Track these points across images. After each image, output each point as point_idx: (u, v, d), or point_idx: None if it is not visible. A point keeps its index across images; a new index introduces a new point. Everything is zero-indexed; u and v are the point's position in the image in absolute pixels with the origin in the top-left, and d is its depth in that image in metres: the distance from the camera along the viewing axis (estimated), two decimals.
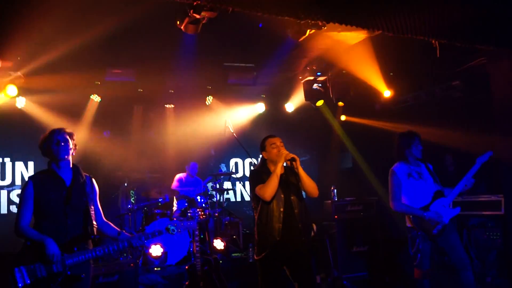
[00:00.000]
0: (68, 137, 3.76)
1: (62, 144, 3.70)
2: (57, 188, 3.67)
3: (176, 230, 3.95)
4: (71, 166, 3.82)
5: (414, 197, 4.86)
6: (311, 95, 8.55)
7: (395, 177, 4.92)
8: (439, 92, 7.96)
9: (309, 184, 4.24)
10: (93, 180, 3.95)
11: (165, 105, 9.37)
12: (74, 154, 3.83)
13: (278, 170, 4.16)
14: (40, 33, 6.07)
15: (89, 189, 3.81)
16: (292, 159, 4.17)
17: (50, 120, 8.34)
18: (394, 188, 4.91)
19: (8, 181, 8.57)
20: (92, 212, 3.76)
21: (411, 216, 4.83)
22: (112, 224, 3.98)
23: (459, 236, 4.93)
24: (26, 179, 3.98)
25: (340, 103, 9.50)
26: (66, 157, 3.72)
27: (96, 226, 3.79)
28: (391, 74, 8.36)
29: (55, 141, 3.69)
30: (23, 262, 3.46)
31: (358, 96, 8.96)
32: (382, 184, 9.09)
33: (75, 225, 3.67)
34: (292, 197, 4.27)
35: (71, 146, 3.76)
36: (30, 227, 3.61)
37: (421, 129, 7.49)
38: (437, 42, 5.32)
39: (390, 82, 8.54)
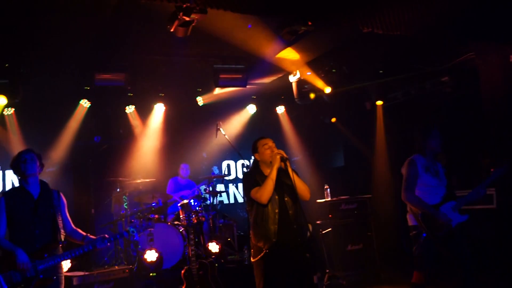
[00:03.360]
0: (35, 156, 4.22)
1: (29, 162, 4.15)
2: (25, 201, 4.14)
3: (135, 232, 4.42)
4: (38, 182, 4.27)
5: (426, 193, 4.70)
6: (301, 95, 8.56)
7: (413, 167, 4.73)
8: (429, 87, 7.99)
9: (300, 187, 4.21)
10: (61, 194, 4.39)
11: (155, 109, 9.30)
12: (41, 172, 4.29)
13: (273, 173, 4.15)
14: (29, 37, 6.02)
15: (56, 201, 4.26)
16: (286, 159, 4.16)
17: (40, 127, 8.28)
18: (410, 178, 4.71)
19: None
20: (60, 221, 4.22)
21: (419, 213, 4.63)
22: (79, 230, 4.38)
23: (465, 241, 4.69)
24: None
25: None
26: (32, 173, 4.18)
27: (64, 234, 4.22)
28: (381, 72, 8.40)
29: (22, 159, 4.16)
30: (1, 270, 3.86)
31: (348, 95, 9.01)
32: (375, 182, 9.15)
33: (43, 234, 4.11)
34: (286, 198, 4.26)
35: (38, 164, 4.22)
36: (4, 238, 4.05)
37: (410, 125, 7.61)
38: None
39: (378, 79, 8.60)
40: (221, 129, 7.40)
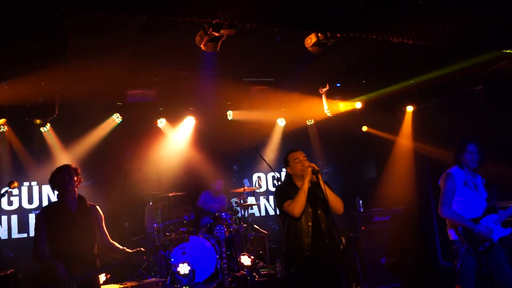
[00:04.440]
0: (72, 171, 4.31)
1: (67, 178, 4.25)
2: (64, 216, 4.22)
3: (171, 245, 4.59)
4: (76, 196, 4.35)
5: (465, 207, 4.60)
6: (331, 105, 8.52)
7: (451, 181, 4.63)
8: (462, 97, 7.82)
9: (332, 200, 4.19)
10: (98, 207, 4.47)
11: (186, 122, 9.41)
12: (79, 186, 4.37)
13: (305, 186, 4.14)
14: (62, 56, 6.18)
15: (93, 215, 4.36)
16: (317, 172, 4.14)
17: (74, 143, 8.49)
18: (448, 193, 4.61)
19: (35, 204, 8.72)
20: (98, 235, 4.34)
21: (459, 227, 4.54)
22: (116, 244, 4.46)
23: (506, 255, 4.56)
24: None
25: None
26: (70, 188, 4.27)
27: (101, 247, 4.36)
28: (412, 82, 8.28)
29: (60, 175, 4.27)
30: (41, 282, 3.98)
31: (378, 105, 8.90)
32: (408, 193, 8.98)
33: (81, 247, 4.19)
34: (319, 212, 4.24)
35: (75, 179, 4.30)
36: (44, 252, 4.17)
37: (444, 135, 7.46)
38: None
39: (411, 89, 8.48)
40: (251, 143, 7.43)
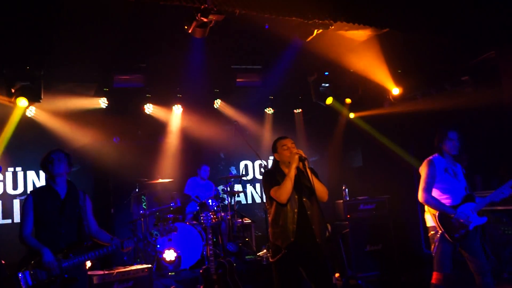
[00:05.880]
0: (64, 156, 4.27)
1: (56, 162, 4.20)
2: (52, 201, 4.19)
3: (159, 235, 4.55)
4: (66, 181, 4.32)
5: (444, 194, 4.69)
6: (319, 94, 8.53)
7: (431, 167, 4.71)
8: (449, 87, 7.87)
9: (317, 188, 4.20)
10: (86, 195, 4.44)
11: (174, 109, 9.37)
12: (69, 172, 4.32)
13: (292, 172, 4.16)
14: (49, 41, 6.11)
15: (82, 202, 4.32)
16: (304, 159, 4.16)
17: (60, 128, 8.40)
18: (428, 179, 4.69)
19: (20, 190, 8.64)
20: (86, 222, 4.28)
21: (436, 214, 4.63)
22: (105, 232, 4.47)
23: (480, 242, 4.67)
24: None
25: (348, 100, 9.46)
26: (59, 173, 4.23)
27: (89, 233, 4.32)
28: (399, 71, 8.31)
29: (50, 159, 4.22)
30: (26, 267, 3.96)
31: (367, 95, 8.93)
32: (393, 182, 9.05)
33: (69, 233, 4.18)
34: (304, 199, 4.27)
35: (66, 164, 4.26)
36: (31, 236, 4.12)
37: (430, 124, 7.51)
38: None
39: (398, 79, 8.51)
40: (238, 129, 7.40)
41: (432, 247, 4.69)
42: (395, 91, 8.57)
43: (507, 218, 6.72)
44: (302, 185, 4.29)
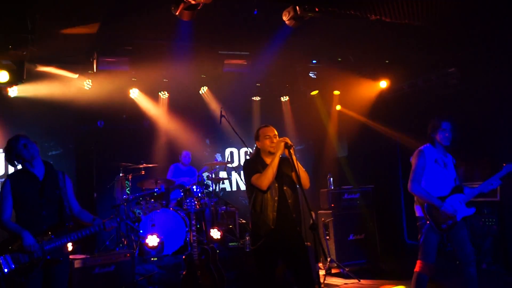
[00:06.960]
0: (27, 139, 4.15)
1: (29, 145, 4.12)
2: (31, 184, 4.13)
3: (141, 213, 4.54)
4: (42, 163, 4.24)
5: (433, 184, 4.69)
6: (307, 83, 8.51)
7: (421, 158, 4.71)
8: (435, 79, 7.89)
9: (301, 175, 4.17)
10: (66, 175, 4.35)
11: (159, 95, 9.28)
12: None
13: (276, 160, 4.14)
14: (32, 20, 5.97)
15: (61, 183, 4.25)
16: (290, 146, 4.13)
17: (43, 110, 8.24)
18: (418, 169, 4.69)
19: (1, 172, 8.50)
20: (67, 203, 4.22)
21: (425, 204, 4.64)
22: (87, 212, 4.42)
23: (467, 232, 4.72)
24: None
25: (336, 92, 9.47)
26: (36, 155, 4.15)
27: (71, 215, 4.25)
28: (387, 62, 8.32)
29: (21, 145, 4.10)
30: (7, 250, 3.92)
31: (354, 85, 8.93)
32: (378, 172, 9.11)
33: (50, 215, 4.13)
34: (285, 187, 4.27)
35: (34, 145, 4.17)
36: (11, 220, 4.07)
37: (417, 116, 7.54)
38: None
39: (385, 70, 8.52)
40: (224, 115, 7.33)
41: (419, 236, 4.72)
42: (383, 84, 8.59)
43: (487, 209, 6.81)
44: (283, 174, 4.29)
